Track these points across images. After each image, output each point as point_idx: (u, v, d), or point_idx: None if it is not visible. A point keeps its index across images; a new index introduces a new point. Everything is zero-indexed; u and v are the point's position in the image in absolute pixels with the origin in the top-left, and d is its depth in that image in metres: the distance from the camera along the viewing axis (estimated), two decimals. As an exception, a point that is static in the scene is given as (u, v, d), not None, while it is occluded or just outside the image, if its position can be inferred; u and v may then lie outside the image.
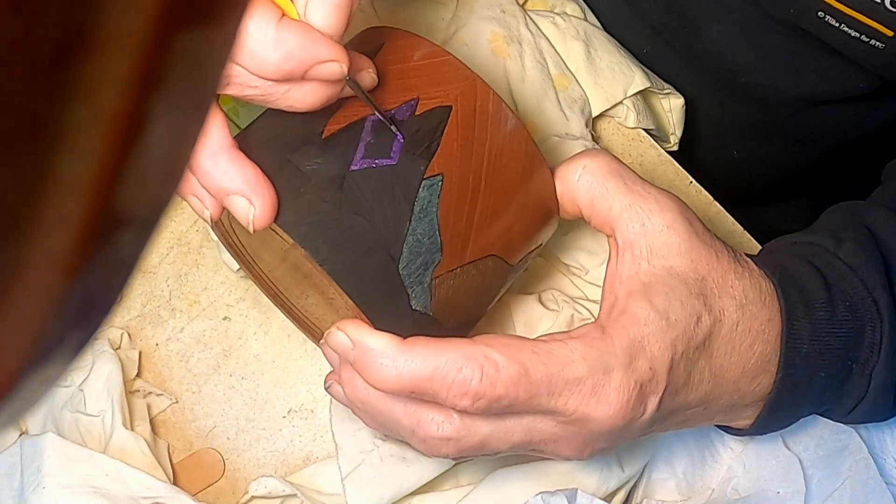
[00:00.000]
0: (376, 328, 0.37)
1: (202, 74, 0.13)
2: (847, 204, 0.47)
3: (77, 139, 0.12)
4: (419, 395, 0.36)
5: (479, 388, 0.35)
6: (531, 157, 0.40)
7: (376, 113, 0.38)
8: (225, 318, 0.51)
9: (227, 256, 0.51)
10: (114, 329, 0.50)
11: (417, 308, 0.38)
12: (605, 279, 0.40)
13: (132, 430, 0.47)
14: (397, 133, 0.38)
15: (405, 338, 0.37)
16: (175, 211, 0.53)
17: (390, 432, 0.40)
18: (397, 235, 0.37)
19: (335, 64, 0.35)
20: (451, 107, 0.39)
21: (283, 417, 0.50)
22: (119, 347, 0.49)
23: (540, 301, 0.50)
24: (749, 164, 0.67)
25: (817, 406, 0.43)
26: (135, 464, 0.45)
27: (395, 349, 0.36)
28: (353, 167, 0.37)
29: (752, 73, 0.57)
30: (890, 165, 0.51)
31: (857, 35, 0.49)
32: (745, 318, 0.40)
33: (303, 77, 0.35)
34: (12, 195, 0.11)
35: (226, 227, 0.42)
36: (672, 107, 0.59)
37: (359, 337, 0.37)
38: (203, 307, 0.51)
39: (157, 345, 0.50)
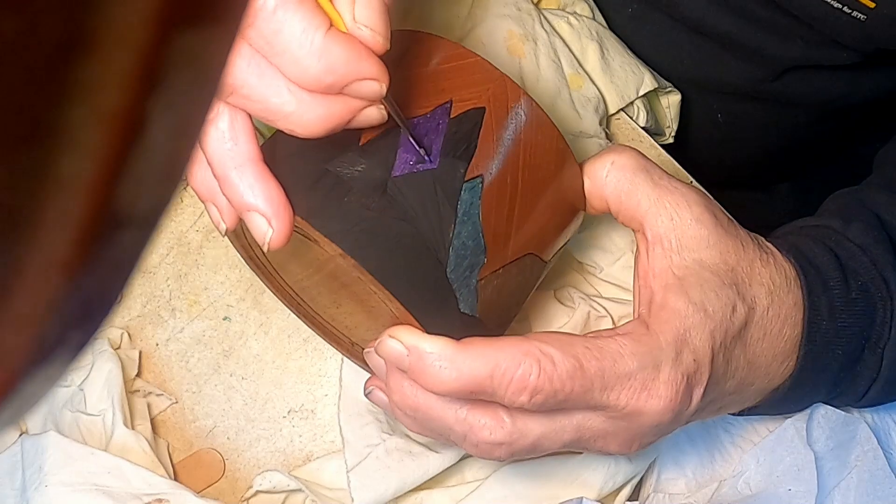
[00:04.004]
0: (427, 333, 0.37)
1: (202, 74, 0.13)
2: (848, 190, 0.48)
3: (77, 139, 0.12)
4: (478, 395, 0.36)
5: (538, 382, 0.35)
6: (562, 153, 0.40)
7: (404, 129, 0.37)
8: (225, 318, 0.51)
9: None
10: (114, 329, 0.50)
11: (465, 311, 0.38)
12: (636, 274, 0.41)
13: (133, 429, 0.47)
14: (424, 154, 0.37)
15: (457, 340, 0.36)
16: (175, 211, 0.53)
17: (440, 437, 0.40)
18: (443, 239, 0.37)
19: (375, 83, 0.34)
20: (484, 108, 0.39)
21: (283, 417, 0.50)
22: (119, 347, 0.49)
23: (556, 297, 0.50)
24: (735, 130, 0.67)
25: (832, 388, 0.44)
26: (136, 462, 0.45)
27: (453, 351, 0.36)
28: (395, 173, 0.37)
29: (736, 36, 0.58)
30: (881, 153, 0.52)
31: (840, 6, 0.49)
32: (775, 303, 0.40)
33: (340, 92, 0.34)
34: (12, 195, 0.11)
35: (248, 240, 0.42)
36: (670, 102, 0.60)
37: (413, 342, 0.36)
38: (203, 307, 0.51)
39: (157, 345, 0.50)
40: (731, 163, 0.71)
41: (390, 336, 0.37)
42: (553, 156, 0.40)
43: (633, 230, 0.42)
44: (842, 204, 0.46)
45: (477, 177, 0.38)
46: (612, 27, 0.60)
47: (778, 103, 0.63)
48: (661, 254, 0.40)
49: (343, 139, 0.37)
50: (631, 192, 0.40)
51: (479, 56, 0.40)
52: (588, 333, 0.38)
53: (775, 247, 0.42)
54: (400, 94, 0.39)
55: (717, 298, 0.39)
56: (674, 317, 0.38)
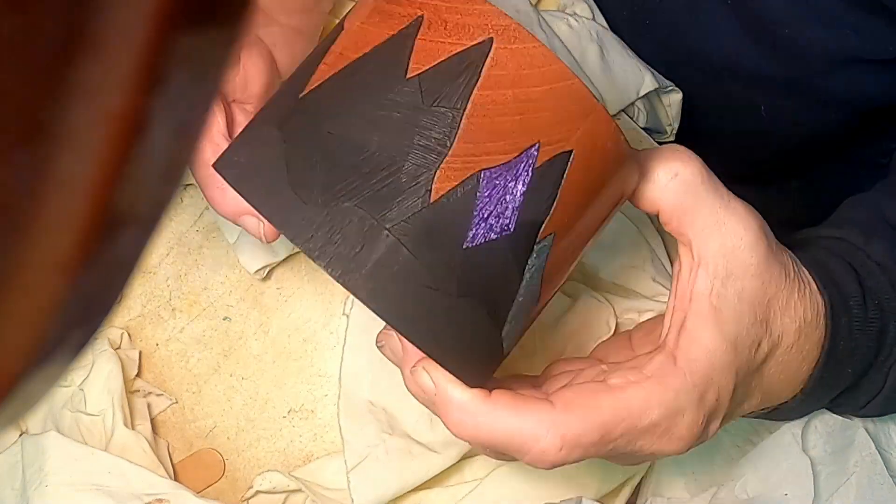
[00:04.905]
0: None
1: (202, 74, 0.13)
2: (867, 197, 0.47)
3: (77, 139, 0.12)
4: (493, 450, 0.37)
5: (558, 456, 0.35)
6: (629, 180, 0.36)
7: (488, 166, 0.31)
8: (225, 318, 0.51)
9: (245, 258, 0.50)
10: (114, 329, 0.50)
11: (506, 353, 0.36)
12: (674, 292, 0.39)
13: (133, 429, 0.47)
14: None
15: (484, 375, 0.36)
16: (175, 211, 0.53)
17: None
18: (504, 305, 0.34)
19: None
20: (571, 151, 0.33)
21: (283, 417, 0.50)
22: (119, 347, 0.49)
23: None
24: (773, 124, 0.66)
25: (834, 399, 0.44)
26: (136, 462, 0.45)
27: (477, 405, 0.36)
28: (468, 244, 0.31)
29: (793, 24, 0.57)
30: None
31: None
32: (800, 340, 0.40)
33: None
34: (12, 195, 0.11)
35: None
36: (671, 101, 0.60)
37: (443, 384, 0.36)
38: (203, 307, 0.51)
39: (157, 345, 0.50)
40: (760, 151, 0.70)
41: (424, 369, 0.36)
42: (621, 186, 0.35)
43: (679, 241, 0.40)
44: (861, 215, 0.45)
45: (549, 235, 0.33)
46: (612, 26, 0.60)
47: (819, 100, 0.62)
48: (703, 277, 0.38)
49: (409, 191, 0.31)
50: (691, 208, 0.38)
51: (577, 78, 0.33)
52: (615, 377, 0.37)
53: (808, 270, 0.41)
54: (482, 126, 0.32)
55: (747, 335, 0.38)
56: (704, 354, 0.37)
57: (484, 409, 0.36)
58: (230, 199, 0.38)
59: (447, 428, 0.36)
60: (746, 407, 0.40)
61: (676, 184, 0.38)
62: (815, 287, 0.41)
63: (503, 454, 0.37)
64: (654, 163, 0.39)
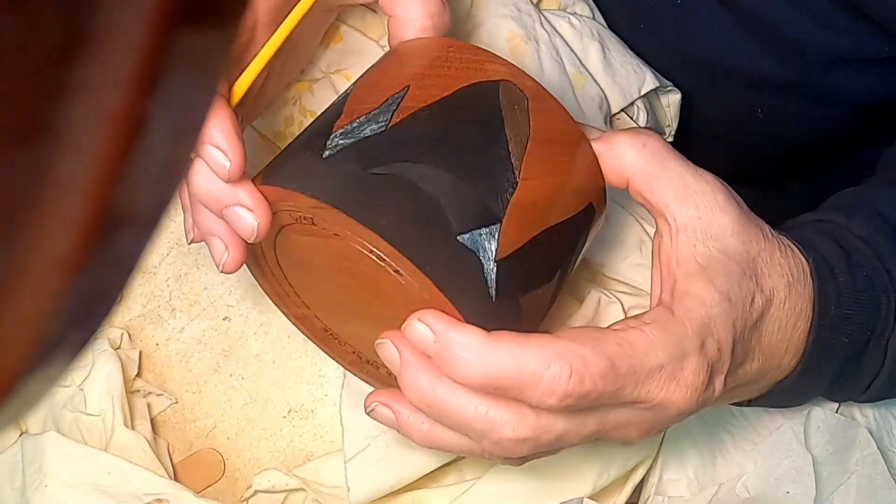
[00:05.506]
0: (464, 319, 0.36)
1: (202, 74, 0.13)
2: (851, 189, 0.48)
3: (77, 139, 0.12)
4: (503, 392, 0.35)
5: (569, 386, 0.34)
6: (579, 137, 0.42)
7: None
8: (225, 318, 0.51)
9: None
10: (114, 329, 0.50)
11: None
12: (657, 258, 0.41)
13: (133, 429, 0.47)
14: None
15: (489, 330, 0.35)
16: (175, 211, 0.53)
17: (452, 445, 0.38)
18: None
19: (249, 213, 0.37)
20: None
21: (284, 417, 0.50)
22: (119, 347, 0.49)
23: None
24: (772, 125, 0.67)
25: (835, 378, 0.44)
26: (136, 462, 0.45)
27: (482, 342, 0.35)
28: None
29: (790, 27, 0.57)
30: (886, 154, 0.52)
31: None
32: (792, 295, 0.41)
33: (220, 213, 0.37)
34: (12, 195, 0.11)
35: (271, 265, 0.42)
36: (670, 102, 0.60)
37: (442, 328, 0.35)
38: (203, 307, 0.51)
39: (157, 345, 0.50)
40: (760, 153, 0.70)
41: (419, 320, 0.36)
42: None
43: (653, 214, 0.41)
44: (843, 200, 0.46)
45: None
46: (612, 27, 0.60)
47: (819, 101, 0.62)
48: (685, 241, 0.40)
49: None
50: (661, 177, 0.40)
51: (591, 147, 0.40)
52: (614, 324, 0.38)
53: (788, 238, 0.42)
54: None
55: (739, 288, 0.39)
56: (699, 304, 0.38)
57: (489, 344, 0.35)
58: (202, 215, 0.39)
59: (453, 377, 0.35)
60: (749, 370, 0.40)
61: (645, 152, 0.40)
62: (796, 249, 0.42)
63: (508, 400, 0.36)
64: (622, 135, 0.41)
